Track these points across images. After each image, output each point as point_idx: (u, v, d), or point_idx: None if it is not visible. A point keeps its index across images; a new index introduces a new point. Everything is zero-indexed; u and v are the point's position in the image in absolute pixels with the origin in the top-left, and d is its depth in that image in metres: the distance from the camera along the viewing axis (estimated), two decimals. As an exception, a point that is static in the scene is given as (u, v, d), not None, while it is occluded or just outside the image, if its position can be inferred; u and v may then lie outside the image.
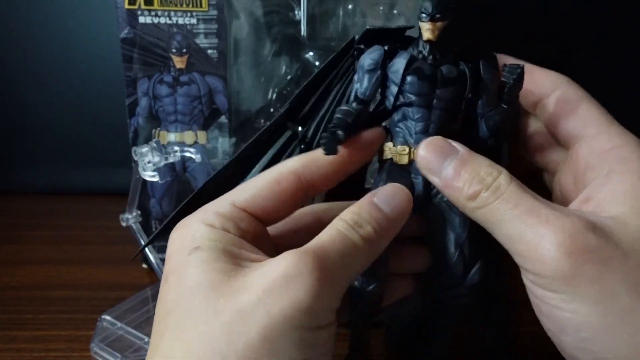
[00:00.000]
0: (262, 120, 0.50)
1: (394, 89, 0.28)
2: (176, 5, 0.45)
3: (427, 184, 0.28)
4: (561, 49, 0.58)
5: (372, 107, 0.30)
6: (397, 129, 0.29)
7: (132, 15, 0.45)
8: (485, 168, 0.26)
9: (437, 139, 0.27)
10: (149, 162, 0.44)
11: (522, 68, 0.27)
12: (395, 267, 0.29)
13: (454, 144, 0.27)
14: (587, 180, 0.27)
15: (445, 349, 0.32)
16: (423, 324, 0.33)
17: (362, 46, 0.30)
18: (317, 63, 0.48)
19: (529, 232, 0.23)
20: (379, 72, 0.28)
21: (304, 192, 0.28)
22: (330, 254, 0.23)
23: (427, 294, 0.31)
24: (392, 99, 0.29)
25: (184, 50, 0.46)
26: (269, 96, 0.50)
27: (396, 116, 0.29)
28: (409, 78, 0.28)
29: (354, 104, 0.29)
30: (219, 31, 0.46)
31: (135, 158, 0.46)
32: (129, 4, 0.44)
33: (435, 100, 0.28)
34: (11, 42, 0.62)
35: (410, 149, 0.29)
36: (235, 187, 0.28)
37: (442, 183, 0.26)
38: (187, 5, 0.45)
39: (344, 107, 0.29)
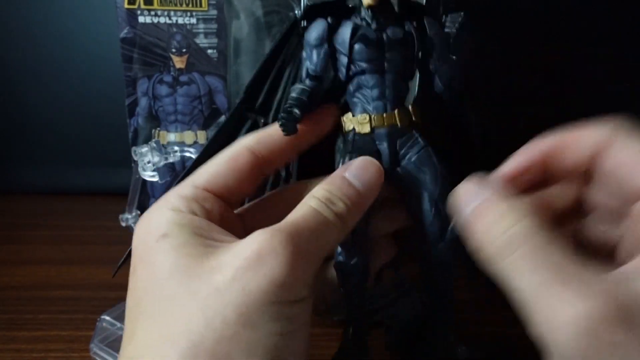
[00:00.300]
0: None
1: (343, 59, 0.29)
2: (176, 5, 0.45)
3: (393, 149, 0.29)
4: (561, 49, 0.58)
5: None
6: (355, 99, 0.29)
7: (132, 15, 0.45)
8: (507, 215, 0.22)
9: (468, 181, 0.25)
10: (148, 162, 0.44)
11: (463, 16, 0.28)
12: (375, 230, 0.29)
13: (483, 186, 0.24)
14: None
15: (448, 348, 0.32)
16: (423, 324, 0.33)
17: (305, 22, 0.30)
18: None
19: (542, 309, 0.20)
20: (325, 45, 0.29)
21: (260, 167, 0.28)
22: (303, 230, 0.23)
23: (427, 294, 0.31)
24: (344, 70, 0.29)
25: (184, 50, 0.46)
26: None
27: (351, 86, 0.29)
28: (356, 46, 0.28)
29: (307, 81, 0.29)
30: (219, 31, 0.46)
31: (135, 158, 0.46)
32: (129, 3, 0.44)
33: (386, 64, 0.28)
34: (11, 42, 0.62)
35: (370, 116, 0.29)
36: None
37: (464, 225, 0.24)
38: (187, 5, 0.45)
39: (298, 85, 0.29)
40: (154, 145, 0.45)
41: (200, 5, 0.45)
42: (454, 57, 0.29)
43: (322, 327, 0.40)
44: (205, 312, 0.21)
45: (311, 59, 0.29)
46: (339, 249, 0.28)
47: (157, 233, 0.24)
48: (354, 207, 0.26)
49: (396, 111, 0.29)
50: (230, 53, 0.48)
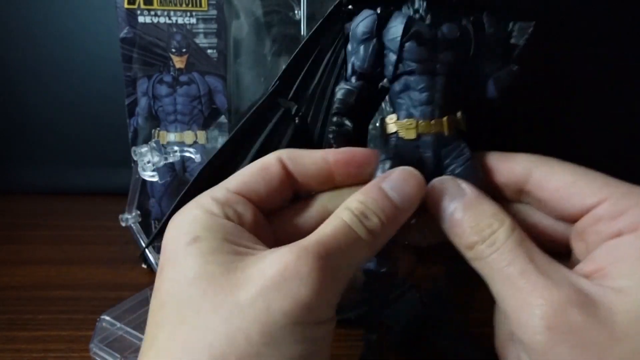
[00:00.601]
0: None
1: (392, 57, 0.26)
2: (176, 5, 0.45)
3: (437, 158, 0.27)
4: (561, 49, 0.57)
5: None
6: (400, 101, 0.27)
7: (132, 14, 0.45)
8: (487, 218, 0.24)
9: (445, 180, 0.26)
10: (148, 162, 0.44)
11: (532, 26, 0.25)
12: (411, 241, 0.29)
13: (463, 185, 0.25)
14: (597, 244, 0.24)
15: (450, 349, 0.32)
16: (423, 324, 0.33)
17: (350, 7, 0.27)
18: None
19: (516, 296, 0.22)
20: (374, 40, 0.26)
21: (291, 184, 0.27)
22: (332, 249, 0.23)
23: (426, 294, 0.31)
24: (391, 68, 0.26)
25: (184, 50, 0.46)
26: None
27: (397, 86, 0.27)
28: (407, 44, 0.25)
29: (353, 80, 0.27)
30: (219, 31, 0.46)
31: (135, 158, 0.46)
32: (129, 3, 0.44)
33: (438, 66, 0.26)
34: (11, 42, 0.62)
35: (417, 121, 0.26)
36: (231, 173, 0.27)
37: (445, 227, 0.25)
38: (187, 5, 0.45)
39: (343, 85, 0.27)
40: (154, 145, 0.45)
41: (200, 5, 0.45)
42: (515, 67, 0.26)
43: (322, 327, 0.40)
44: (228, 328, 0.21)
45: (358, 55, 0.27)
46: None
47: (189, 235, 0.23)
48: (389, 223, 0.24)
49: (445, 118, 0.26)
50: (230, 53, 0.48)
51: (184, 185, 0.49)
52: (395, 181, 0.25)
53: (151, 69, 0.46)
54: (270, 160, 0.27)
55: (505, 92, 0.27)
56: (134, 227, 0.47)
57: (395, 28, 0.26)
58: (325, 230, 0.23)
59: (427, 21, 0.25)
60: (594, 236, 0.24)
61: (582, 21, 0.57)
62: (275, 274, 0.21)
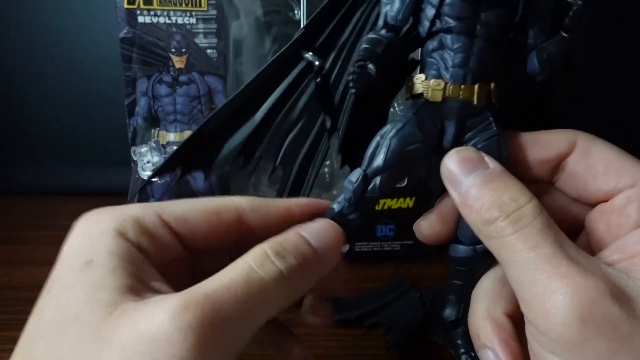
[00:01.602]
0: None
1: (430, 11, 0.24)
2: (175, 5, 0.45)
3: (461, 128, 0.25)
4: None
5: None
6: (431, 60, 0.25)
7: (131, 14, 0.45)
8: (512, 192, 0.22)
9: (467, 149, 0.24)
10: (148, 162, 0.45)
11: None
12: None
13: (487, 159, 0.24)
14: (623, 228, 0.23)
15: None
16: (423, 324, 0.33)
17: None
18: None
19: (541, 282, 0.20)
20: None
21: (241, 235, 0.24)
22: (224, 303, 0.19)
23: (426, 294, 0.31)
24: (427, 24, 0.24)
25: (184, 50, 0.46)
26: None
27: (431, 44, 0.25)
28: (446, 1, 0.24)
29: (383, 31, 0.25)
30: (219, 31, 0.46)
31: (135, 158, 0.46)
32: (128, 3, 0.44)
33: (478, 27, 0.24)
34: (11, 42, 0.62)
35: (445, 84, 0.24)
36: (240, 126, 0.25)
37: (460, 199, 0.23)
38: (187, 5, 0.45)
39: (372, 35, 0.25)
40: (154, 145, 0.45)
41: (200, 5, 0.45)
42: (565, 34, 0.23)
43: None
44: None
45: (393, 5, 0.24)
46: (342, 197, 0.26)
47: (87, 255, 0.21)
48: (308, 269, 0.22)
49: (477, 85, 0.24)
50: (230, 53, 0.48)
51: (184, 185, 0.50)
52: (316, 229, 0.23)
53: (151, 69, 0.46)
54: (226, 208, 0.24)
55: (550, 65, 0.24)
56: (133, 227, 0.47)
57: None
58: (223, 277, 0.20)
59: None
60: (622, 219, 0.23)
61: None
62: (144, 332, 0.18)
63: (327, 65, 0.27)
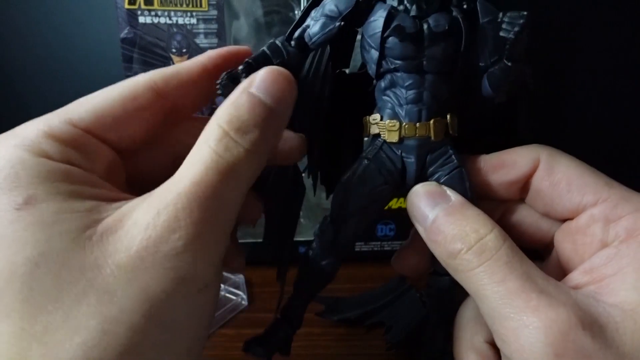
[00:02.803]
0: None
1: (374, 54, 0.24)
2: (176, 5, 0.45)
3: (421, 165, 0.25)
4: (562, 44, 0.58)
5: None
6: (385, 98, 0.25)
7: (132, 15, 0.45)
8: (472, 224, 0.22)
9: (429, 184, 0.24)
10: (149, 162, 0.45)
11: (525, 17, 0.22)
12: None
13: (449, 191, 0.23)
14: (590, 248, 0.23)
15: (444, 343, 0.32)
16: (423, 324, 0.33)
17: None
18: None
19: (514, 317, 0.20)
20: (337, 24, 0.23)
21: (164, 111, 0.22)
22: (209, 192, 0.18)
23: (426, 294, 0.31)
24: (374, 66, 0.24)
25: (184, 50, 0.46)
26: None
27: (383, 83, 0.25)
28: (389, 40, 0.23)
29: (292, 44, 0.24)
30: (219, 31, 0.46)
31: (135, 158, 0.46)
32: (129, 3, 0.44)
33: (425, 62, 0.23)
34: (11, 42, 0.62)
35: (401, 123, 0.24)
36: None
37: (425, 234, 0.23)
38: (187, 5, 0.45)
39: (276, 41, 0.24)
40: (154, 145, 0.45)
41: (200, 6, 0.45)
42: (509, 63, 0.23)
43: (322, 327, 0.40)
44: (102, 319, 0.16)
45: (314, 26, 0.24)
46: (314, 243, 0.26)
47: (18, 194, 0.17)
48: (269, 130, 0.20)
49: (432, 121, 0.24)
50: (230, 53, 0.48)
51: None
52: (264, 82, 0.21)
53: (151, 69, 0.46)
54: (137, 87, 0.22)
55: (502, 91, 0.24)
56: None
57: (376, 22, 0.23)
58: (193, 167, 0.19)
59: (413, 12, 0.23)
60: (588, 238, 0.23)
61: (583, 17, 0.57)
62: (147, 241, 0.17)
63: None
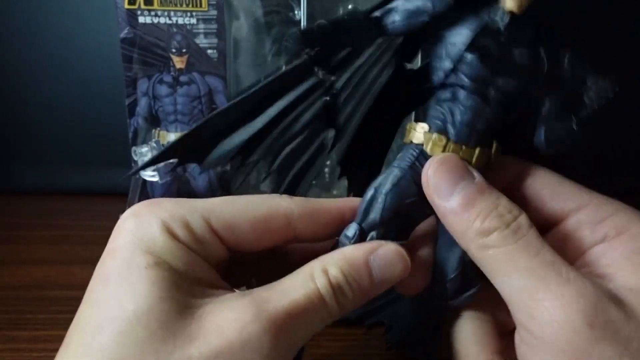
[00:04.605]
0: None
1: (447, 64, 0.23)
2: (176, 5, 0.45)
3: None
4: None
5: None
6: (439, 109, 0.24)
7: (132, 15, 0.45)
8: (505, 203, 0.22)
9: (452, 157, 0.23)
10: (148, 162, 0.45)
11: (615, 92, 0.22)
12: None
13: (471, 168, 0.23)
14: (581, 250, 0.24)
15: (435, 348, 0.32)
16: (423, 324, 0.33)
17: None
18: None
19: (545, 289, 0.20)
20: (425, 19, 0.22)
21: (287, 238, 0.24)
22: (296, 319, 0.20)
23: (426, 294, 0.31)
24: (441, 74, 0.23)
25: (184, 50, 0.46)
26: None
27: (444, 94, 0.24)
28: (469, 56, 0.22)
29: (367, 22, 0.23)
30: (219, 31, 0.46)
31: (135, 158, 0.46)
32: (129, 3, 0.44)
33: (492, 91, 0.23)
34: (11, 42, 0.62)
35: (448, 140, 0.23)
36: (242, 126, 0.25)
37: (449, 209, 0.23)
38: (187, 5, 0.45)
39: (359, 12, 0.23)
40: (154, 145, 0.45)
41: (200, 6, 0.45)
42: (575, 127, 0.23)
43: (322, 327, 0.40)
44: None
45: (397, 14, 0.23)
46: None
47: (149, 257, 0.21)
48: (360, 298, 0.23)
49: (478, 149, 0.23)
50: (230, 53, 0.48)
51: (185, 185, 0.50)
52: (384, 261, 0.23)
53: (151, 69, 0.46)
54: (275, 215, 0.23)
55: (555, 147, 0.24)
56: (134, 227, 0.47)
57: (461, 34, 0.22)
58: (293, 292, 0.21)
59: (503, 38, 0.22)
60: (577, 242, 0.24)
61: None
62: (234, 336, 0.19)
63: (340, 85, 0.26)
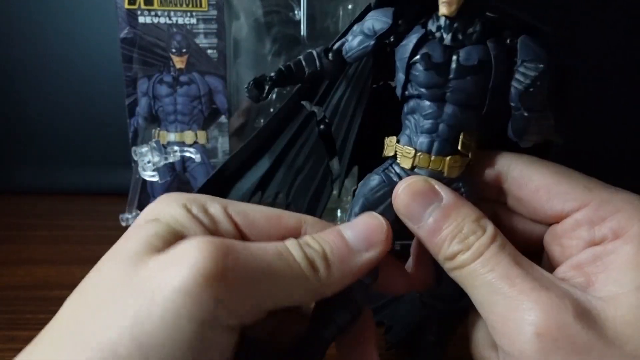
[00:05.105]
0: (262, 120, 0.50)
1: (401, 77, 0.24)
2: (176, 5, 0.45)
3: None
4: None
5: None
6: (406, 122, 0.25)
7: (132, 15, 0.45)
8: (470, 224, 0.22)
9: (418, 182, 0.23)
10: (148, 162, 0.45)
11: (540, 69, 0.22)
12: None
13: (439, 188, 0.23)
14: (576, 249, 0.23)
15: (443, 348, 0.32)
16: (423, 324, 0.33)
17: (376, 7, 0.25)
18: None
19: (500, 302, 0.20)
20: (372, 42, 0.24)
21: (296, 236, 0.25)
22: (249, 257, 0.20)
23: (426, 294, 0.31)
24: (399, 88, 0.24)
25: (184, 50, 0.46)
26: (269, 96, 0.50)
27: (406, 106, 0.24)
28: (414, 67, 0.23)
29: (329, 56, 0.25)
30: (219, 31, 0.46)
31: (135, 158, 0.46)
32: (129, 3, 0.44)
33: (448, 94, 0.23)
34: (11, 42, 0.62)
35: (416, 151, 0.24)
36: (255, 165, 0.27)
37: (420, 234, 0.23)
38: (187, 5, 0.45)
39: (313, 51, 0.25)
40: (154, 145, 0.45)
41: (200, 6, 0.45)
42: (525, 113, 0.23)
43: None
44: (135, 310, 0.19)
45: (352, 41, 0.24)
46: None
47: (152, 216, 0.22)
48: (340, 263, 0.22)
49: (448, 158, 0.24)
50: (230, 53, 0.48)
51: (184, 185, 0.50)
52: (355, 221, 0.24)
53: (151, 69, 0.46)
54: (288, 214, 0.25)
55: (526, 138, 0.24)
56: (134, 227, 0.47)
57: (406, 46, 0.23)
58: (260, 247, 0.21)
59: (447, 42, 0.22)
60: (574, 241, 0.23)
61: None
62: (174, 255, 0.20)
63: (329, 113, 0.28)
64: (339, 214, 0.51)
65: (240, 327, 0.21)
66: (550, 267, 0.25)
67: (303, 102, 0.27)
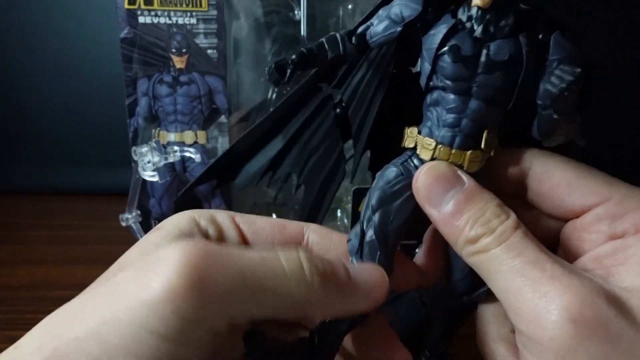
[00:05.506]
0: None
1: (426, 67, 0.23)
2: (176, 5, 0.45)
3: None
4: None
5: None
6: (428, 114, 0.24)
7: (132, 15, 0.45)
8: (494, 208, 0.22)
9: (440, 165, 0.23)
10: (148, 162, 0.45)
11: (577, 74, 0.21)
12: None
13: (461, 173, 0.23)
14: (596, 243, 0.23)
15: (445, 347, 0.32)
16: (424, 323, 0.33)
17: None
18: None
19: (528, 288, 0.20)
20: (399, 29, 0.23)
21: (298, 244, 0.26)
22: (231, 263, 0.19)
23: (426, 294, 0.31)
24: (424, 79, 0.23)
25: (184, 50, 0.46)
26: (269, 96, 0.50)
27: (429, 97, 0.24)
28: (442, 58, 0.22)
29: (352, 40, 0.24)
30: (219, 31, 0.46)
31: (135, 158, 0.46)
32: (129, 4, 0.44)
33: (474, 88, 0.22)
34: (11, 42, 0.62)
35: (436, 144, 0.23)
36: (267, 145, 0.27)
37: (439, 218, 0.23)
38: (187, 5, 0.45)
39: (336, 34, 0.24)
40: (154, 145, 0.45)
41: (200, 6, 0.45)
42: (555, 115, 0.22)
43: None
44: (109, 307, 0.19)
45: (377, 26, 0.23)
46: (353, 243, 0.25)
47: (160, 225, 0.24)
48: (335, 287, 0.21)
49: (469, 153, 0.23)
50: (230, 53, 0.48)
51: (184, 185, 0.49)
52: (360, 265, 0.24)
53: (151, 69, 0.46)
54: (293, 224, 0.26)
55: (550, 139, 0.23)
56: (134, 227, 0.47)
57: (435, 36, 0.22)
58: (251, 252, 0.20)
59: (477, 34, 0.21)
60: (594, 235, 0.23)
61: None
62: (153, 257, 0.20)
63: (347, 96, 0.27)
64: (339, 214, 0.51)
65: (225, 331, 0.20)
66: (568, 261, 0.24)
67: (321, 85, 0.27)
